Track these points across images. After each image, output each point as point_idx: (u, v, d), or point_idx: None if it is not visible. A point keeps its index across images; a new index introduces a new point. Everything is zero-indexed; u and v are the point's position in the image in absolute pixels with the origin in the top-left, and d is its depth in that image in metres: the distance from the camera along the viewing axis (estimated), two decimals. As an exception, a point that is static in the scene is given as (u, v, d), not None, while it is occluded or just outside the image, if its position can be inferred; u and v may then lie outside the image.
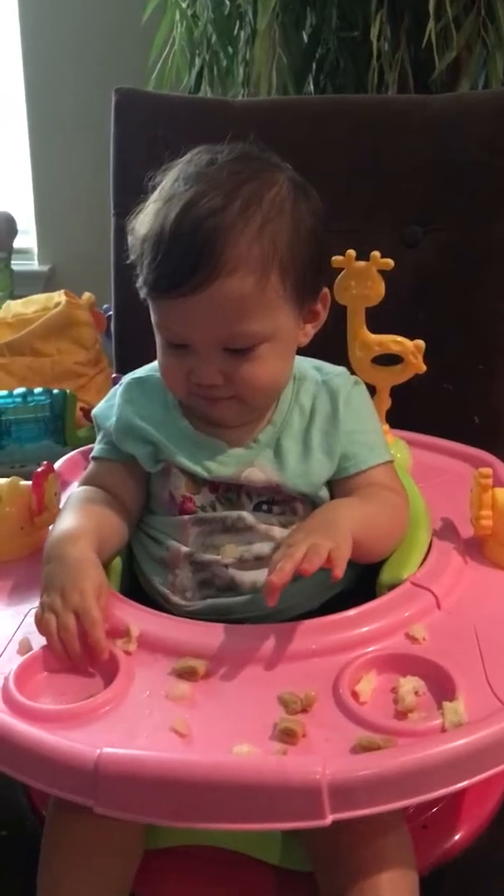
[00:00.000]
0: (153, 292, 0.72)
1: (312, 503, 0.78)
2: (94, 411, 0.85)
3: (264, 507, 0.77)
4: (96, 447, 0.83)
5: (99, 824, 0.61)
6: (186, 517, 0.77)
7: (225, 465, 0.77)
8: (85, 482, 0.82)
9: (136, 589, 0.80)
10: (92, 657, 0.64)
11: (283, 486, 0.76)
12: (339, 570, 0.64)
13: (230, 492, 0.77)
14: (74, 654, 0.64)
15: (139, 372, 0.84)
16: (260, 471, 0.77)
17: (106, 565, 0.74)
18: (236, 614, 0.74)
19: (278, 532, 0.76)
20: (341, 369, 0.83)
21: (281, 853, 0.68)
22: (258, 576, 0.74)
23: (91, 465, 0.83)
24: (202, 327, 0.71)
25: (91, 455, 0.84)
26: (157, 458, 0.79)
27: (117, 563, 0.78)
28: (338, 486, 0.78)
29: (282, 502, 0.77)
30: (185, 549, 0.77)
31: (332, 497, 0.78)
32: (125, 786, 0.54)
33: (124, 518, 0.78)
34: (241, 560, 0.75)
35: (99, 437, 0.83)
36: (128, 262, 0.76)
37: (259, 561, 0.75)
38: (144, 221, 0.73)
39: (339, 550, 0.65)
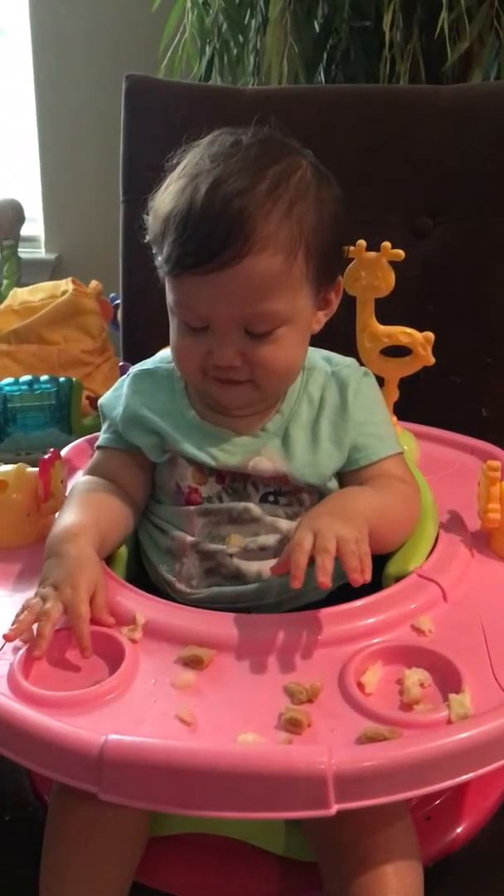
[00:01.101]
0: (177, 269, 0.71)
1: (320, 494, 0.77)
2: (100, 401, 0.84)
3: (271, 497, 0.77)
4: (102, 436, 0.83)
5: (102, 811, 0.61)
6: (192, 508, 0.77)
7: (232, 455, 0.77)
8: (89, 472, 0.82)
9: (142, 577, 0.80)
10: (40, 646, 0.63)
11: (291, 475, 0.76)
12: (368, 574, 0.64)
13: (237, 482, 0.77)
14: (41, 640, 0.63)
15: (147, 363, 0.84)
16: (268, 460, 0.76)
17: (109, 556, 0.74)
18: (241, 603, 0.74)
19: (284, 524, 0.76)
20: (351, 360, 0.83)
21: (285, 843, 0.68)
22: (263, 566, 0.74)
23: (96, 455, 0.83)
24: (226, 305, 0.71)
25: (96, 444, 0.84)
26: (162, 449, 0.79)
27: (122, 551, 0.78)
28: (348, 477, 0.78)
29: (288, 493, 0.77)
30: (190, 538, 0.77)
31: (343, 485, 0.78)
32: (130, 773, 0.54)
33: (128, 508, 0.78)
34: (245, 550, 0.75)
35: (104, 427, 0.83)
36: (145, 241, 0.76)
37: (264, 551, 0.75)
38: (167, 200, 0.73)
39: (363, 545, 0.65)
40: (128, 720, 0.58)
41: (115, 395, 0.83)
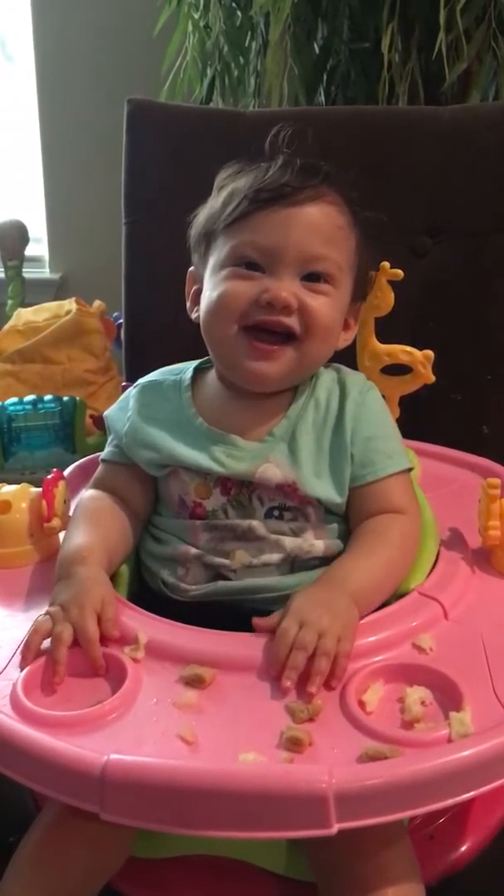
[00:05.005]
0: (251, 206, 0.75)
1: (326, 509, 0.77)
2: (106, 413, 0.86)
3: (276, 513, 0.77)
4: (106, 450, 0.84)
5: (88, 823, 0.60)
6: (198, 522, 0.78)
7: (239, 461, 0.77)
8: (94, 485, 0.83)
9: (143, 592, 0.80)
10: (58, 672, 0.64)
11: (298, 483, 0.76)
12: (336, 683, 0.63)
13: (241, 495, 0.77)
14: (58, 666, 0.64)
15: (152, 376, 0.86)
16: (276, 466, 0.76)
17: (115, 574, 0.75)
18: (242, 595, 0.74)
19: (289, 542, 0.76)
20: (359, 374, 0.85)
21: (286, 862, 0.68)
22: (266, 581, 0.75)
23: (100, 468, 0.84)
24: (297, 237, 0.74)
25: (101, 457, 0.85)
26: (161, 465, 0.79)
27: (124, 569, 0.78)
28: (353, 493, 0.78)
29: (294, 508, 0.77)
30: (194, 550, 0.77)
31: (347, 502, 0.77)
32: (131, 792, 0.54)
33: (132, 524, 0.80)
34: (248, 567, 0.76)
35: (109, 440, 0.84)
36: (186, 245, 0.82)
37: (267, 567, 0.76)
38: (229, 182, 0.80)
39: (345, 643, 0.64)
40: (129, 740, 0.58)
41: (121, 409, 0.84)
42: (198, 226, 0.82)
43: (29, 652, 0.65)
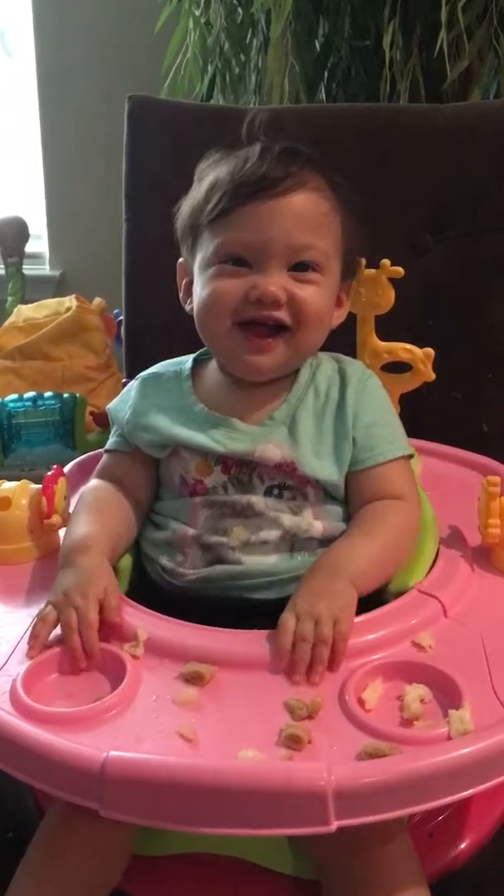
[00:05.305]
0: (232, 201, 0.75)
1: (324, 490, 0.78)
2: (108, 406, 0.87)
3: (275, 491, 0.77)
4: (110, 440, 0.86)
5: (89, 826, 0.61)
6: (197, 499, 0.78)
7: (239, 441, 0.78)
8: (98, 475, 0.84)
9: (143, 585, 0.80)
10: (76, 660, 0.65)
11: (298, 462, 0.76)
12: (336, 667, 0.64)
13: (242, 473, 0.78)
14: (75, 649, 0.65)
15: (152, 369, 0.87)
16: (275, 447, 0.77)
17: (117, 563, 0.76)
18: (241, 580, 0.74)
19: (287, 520, 0.76)
20: (358, 362, 0.86)
21: (289, 862, 0.68)
22: (265, 559, 0.75)
23: (104, 458, 0.86)
24: (280, 229, 0.74)
25: (104, 448, 0.86)
26: (162, 445, 0.80)
27: (126, 564, 0.79)
28: (353, 477, 0.78)
29: (293, 488, 0.78)
30: (192, 531, 0.77)
31: (347, 487, 0.78)
32: (131, 789, 0.54)
33: (134, 513, 0.81)
34: (247, 544, 0.76)
35: (112, 431, 0.86)
36: (175, 236, 0.81)
37: (265, 545, 0.76)
38: (211, 171, 0.79)
39: (342, 624, 0.64)
40: (129, 737, 0.58)
41: (123, 401, 0.85)
42: (182, 218, 0.82)
43: (37, 641, 0.66)
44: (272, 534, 0.76)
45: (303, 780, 0.53)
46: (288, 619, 0.65)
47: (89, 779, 0.54)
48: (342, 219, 0.79)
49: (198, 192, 0.80)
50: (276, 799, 0.52)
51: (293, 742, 0.57)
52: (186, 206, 0.82)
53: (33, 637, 0.66)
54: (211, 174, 0.80)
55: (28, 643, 0.66)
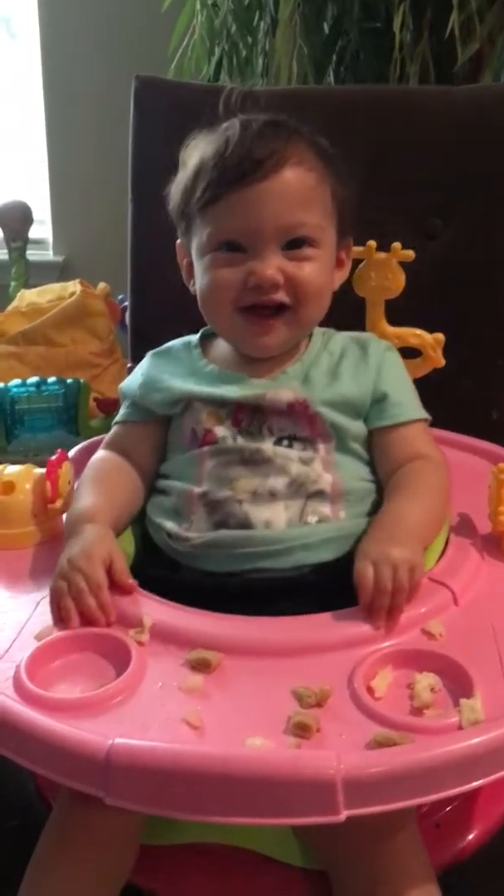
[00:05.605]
0: (218, 189, 0.75)
1: (338, 439, 0.78)
2: (120, 385, 0.88)
3: (285, 442, 0.78)
4: (120, 413, 0.86)
5: (95, 818, 0.61)
6: (206, 448, 0.78)
7: (251, 389, 0.79)
8: (106, 446, 0.85)
9: (146, 551, 0.80)
10: (96, 619, 0.66)
11: (310, 402, 0.77)
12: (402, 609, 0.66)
13: (252, 425, 0.78)
14: (88, 610, 0.65)
15: (160, 347, 0.88)
16: (288, 390, 0.78)
17: (122, 531, 0.78)
18: (247, 547, 0.73)
19: (295, 467, 0.76)
20: (374, 336, 0.87)
21: (296, 852, 0.68)
22: (272, 514, 0.75)
23: (113, 430, 0.86)
24: (270, 211, 0.74)
25: (114, 421, 0.87)
26: (175, 401, 0.81)
27: (127, 536, 0.79)
28: (380, 436, 0.80)
29: (304, 439, 0.78)
30: (197, 489, 0.77)
31: (373, 447, 0.80)
32: (136, 777, 0.53)
33: (139, 484, 0.82)
34: (254, 494, 0.75)
35: (123, 405, 0.86)
36: (168, 217, 0.82)
37: (273, 496, 0.75)
38: (195, 154, 0.79)
39: (417, 570, 0.67)
40: (134, 724, 0.57)
41: (133, 376, 0.87)
42: (174, 202, 0.82)
43: (68, 612, 0.66)
44: (279, 482, 0.75)
45: (311, 769, 0.52)
46: (366, 567, 0.66)
47: (94, 766, 0.53)
48: (331, 184, 0.79)
49: (184, 176, 0.80)
50: (284, 787, 0.52)
51: (301, 730, 0.56)
52: (176, 192, 0.82)
53: (62, 609, 0.66)
54: (195, 157, 0.79)
55: (58, 618, 0.66)
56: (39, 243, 2.32)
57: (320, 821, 0.52)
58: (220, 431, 0.78)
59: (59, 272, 2.30)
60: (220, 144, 0.77)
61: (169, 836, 0.68)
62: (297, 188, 0.75)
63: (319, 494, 0.76)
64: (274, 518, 0.74)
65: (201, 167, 0.78)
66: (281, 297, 0.76)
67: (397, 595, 0.65)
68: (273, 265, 0.75)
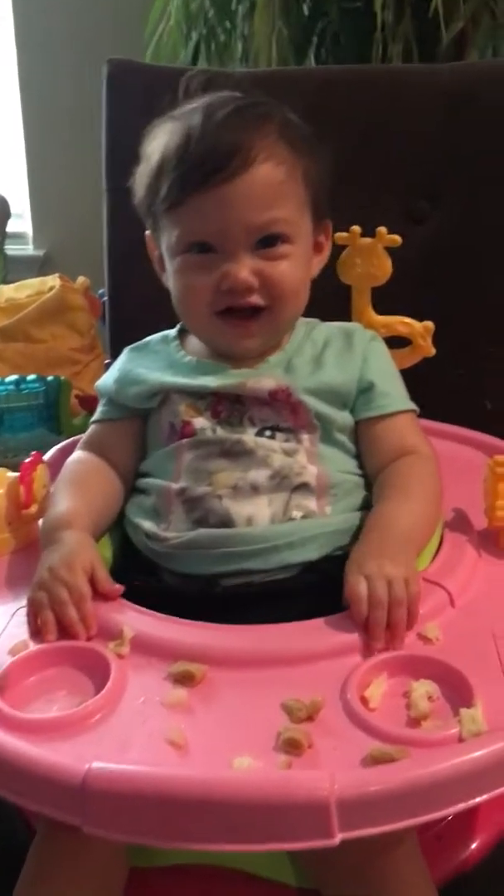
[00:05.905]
0: (184, 191, 0.72)
1: (323, 430, 0.76)
2: (96, 384, 0.85)
3: (268, 433, 0.75)
4: (97, 412, 0.84)
5: (80, 841, 0.57)
6: (185, 441, 0.75)
7: (231, 378, 0.76)
8: (83, 447, 0.83)
9: (125, 556, 0.77)
10: (77, 632, 0.63)
11: (293, 389, 0.75)
12: (412, 623, 0.63)
13: (233, 416, 0.76)
14: (70, 622, 0.63)
15: (137, 342, 0.86)
16: (269, 378, 0.76)
17: (101, 536, 0.76)
18: (228, 547, 0.70)
19: (278, 459, 0.73)
20: (360, 326, 0.85)
21: (289, 872, 0.65)
22: (254, 509, 0.71)
23: (90, 429, 0.84)
24: (238, 213, 0.72)
25: (91, 420, 0.84)
26: (153, 394, 0.79)
27: (105, 541, 0.76)
28: (367, 428, 0.78)
29: (287, 430, 0.75)
30: (175, 486, 0.74)
31: (361, 439, 0.78)
32: (115, 804, 0.50)
33: (118, 486, 0.79)
34: (235, 488, 0.72)
35: (100, 403, 0.84)
36: (133, 203, 0.79)
37: (255, 490, 0.72)
38: (156, 147, 0.76)
39: (412, 585, 0.63)
40: (114, 744, 0.54)
41: (110, 373, 0.84)
42: (138, 196, 0.79)
43: (46, 625, 0.63)
44: (261, 474, 0.72)
45: (303, 791, 0.49)
46: (358, 583, 0.63)
47: (70, 793, 0.50)
48: (304, 167, 0.75)
49: (147, 170, 0.77)
50: (274, 812, 0.48)
51: (292, 747, 0.53)
52: (140, 186, 0.79)
53: (41, 622, 0.63)
54: (157, 151, 0.76)
55: (35, 630, 0.64)
56: (19, 238, 2.29)
57: (313, 845, 0.49)
58: (199, 423, 0.75)
59: (40, 267, 2.26)
60: (182, 138, 0.73)
61: (159, 859, 0.65)
62: (267, 186, 0.72)
63: (304, 487, 0.73)
64: (256, 514, 0.71)
65: (163, 164, 0.74)
66: (256, 300, 0.74)
67: (396, 608, 0.62)
68: (246, 266, 0.73)
